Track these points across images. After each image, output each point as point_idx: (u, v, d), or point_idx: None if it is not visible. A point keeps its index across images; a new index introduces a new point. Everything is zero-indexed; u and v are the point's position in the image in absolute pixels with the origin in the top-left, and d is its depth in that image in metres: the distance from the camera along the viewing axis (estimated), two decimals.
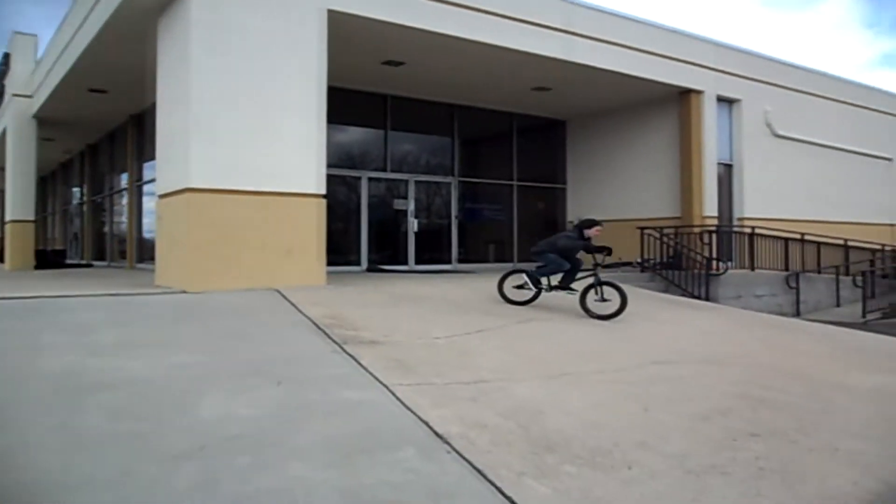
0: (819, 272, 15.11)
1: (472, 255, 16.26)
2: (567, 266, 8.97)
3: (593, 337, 7.62)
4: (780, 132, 16.30)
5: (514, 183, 16.73)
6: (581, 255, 9.14)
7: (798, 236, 14.93)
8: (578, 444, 4.14)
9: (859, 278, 14.48)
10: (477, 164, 16.77)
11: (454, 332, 7.07)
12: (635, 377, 5.97)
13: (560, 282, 9.07)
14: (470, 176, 16.22)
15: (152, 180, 11.55)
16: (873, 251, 16.92)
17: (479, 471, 3.63)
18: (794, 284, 13.79)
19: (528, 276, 9.03)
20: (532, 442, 4.14)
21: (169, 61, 9.70)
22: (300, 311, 7.55)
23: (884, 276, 15.84)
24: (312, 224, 9.56)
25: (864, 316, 12.88)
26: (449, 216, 15.81)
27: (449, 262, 15.54)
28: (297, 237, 9.43)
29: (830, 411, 5.30)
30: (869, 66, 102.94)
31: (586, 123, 16.75)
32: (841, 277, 15.06)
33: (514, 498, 3.34)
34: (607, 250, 8.88)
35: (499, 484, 3.48)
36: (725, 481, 3.78)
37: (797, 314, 13.33)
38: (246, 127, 9.14)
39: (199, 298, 8.41)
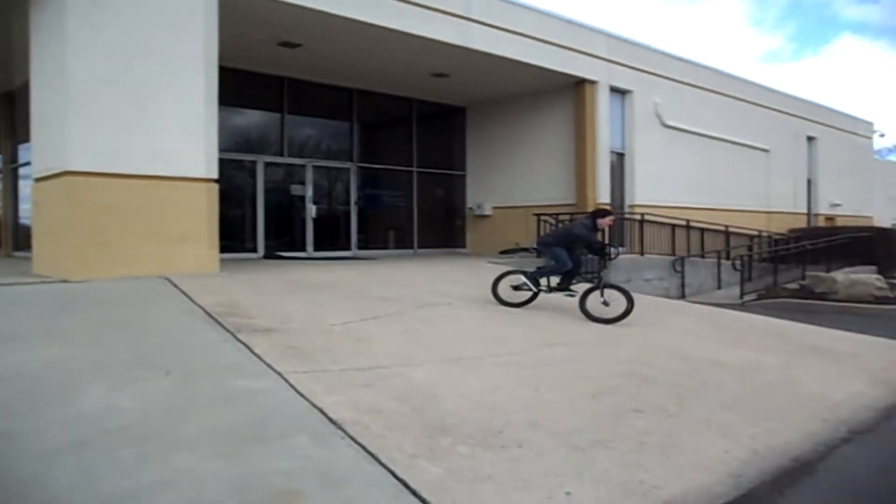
0: (703, 257, 15.95)
1: (373, 241, 16.19)
2: (570, 265, 8.50)
3: (491, 322, 7.75)
4: (669, 123, 17.04)
5: (414, 169, 16.75)
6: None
7: (684, 223, 15.69)
8: (472, 426, 4.22)
9: (738, 262, 15.38)
10: (377, 149, 16.68)
11: (352, 318, 7.02)
12: (530, 360, 6.13)
13: (560, 283, 8.64)
14: (369, 162, 16.11)
15: (28, 163, 10.81)
16: (751, 237, 18.01)
17: (372, 455, 3.64)
18: (679, 268, 14.51)
19: (528, 277, 8.56)
20: (427, 425, 4.18)
21: (43, 36, 9.06)
22: (191, 300, 7.29)
23: (760, 261, 16.87)
24: (203, 209, 9.22)
25: (741, 297, 13.71)
26: (348, 202, 15.66)
27: (348, 248, 15.41)
28: (188, 223, 9.08)
29: (707, 387, 5.63)
30: (753, 62, 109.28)
31: (486, 110, 16.96)
32: (722, 261, 15.93)
33: (407, 480, 3.37)
34: (608, 248, 8.73)
35: (392, 467, 3.50)
36: (609, 455, 3.95)
37: (682, 296, 14.03)
38: (128, 107, 8.66)
39: (81, 288, 7.97)
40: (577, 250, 8.68)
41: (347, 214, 15.64)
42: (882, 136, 41.05)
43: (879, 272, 16.77)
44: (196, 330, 6.23)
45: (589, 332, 7.66)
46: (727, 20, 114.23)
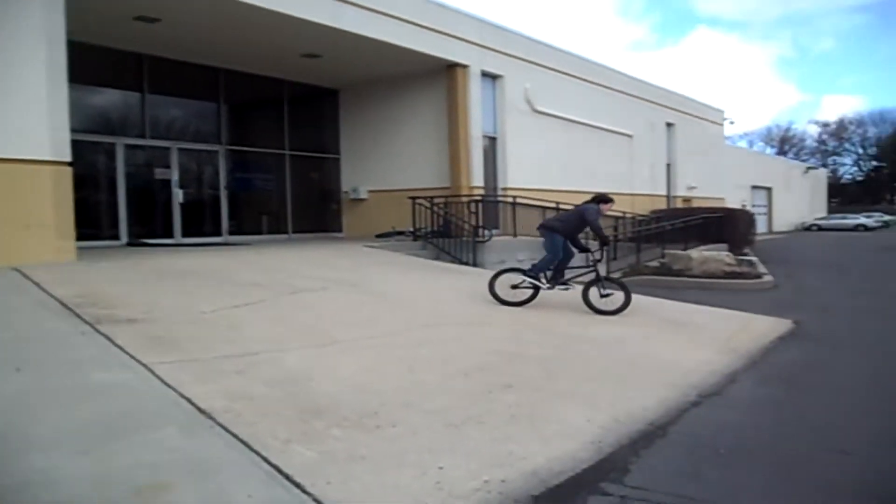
0: None
1: (245, 227, 15.70)
2: (561, 256, 8.47)
3: (365, 304, 7.75)
4: (539, 108, 17.57)
5: (287, 152, 16.36)
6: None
7: (554, 205, 16.25)
8: (347, 408, 4.23)
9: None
10: (247, 132, 16.14)
11: (222, 305, 6.82)
12: (404, 340, 6.20)
13: (552, 277, 8.54)
14: (240, 144, 15.56)
15: None
16: (616, 218, 18.92)
17: (244, 442, 3.58)
18: None
19: (528, 274, 8.45)
20: (301, 409, 4.15)
21: None
22: (45, 291, 6.82)
23: (625, 241, 17.76)
24: (49, 194, 8.53)
25: (607, 275, 14.37)
26: (218, 186, 15.09)
27: (219, 234, 14.87)
28: (34, 210, 8.39)
29: (574, 360, 5.92)
30: (622, 51, 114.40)
31: (359, 93, 16.80)
32: (590, 242, 16.61)
33: (280, 465, 3.34)
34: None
35: (264, 453, 3.45)
36: (481, 429, 4.08)
37: None
38: None
39: None
40: (576, 240, 8.68)
41: (217, 199, 15.07)
42: (732, 123, 44.27)
43: (730, 250, 18.12)
44: (50, 323, 5.84)
45: (463, 312, 7.83)
46: (596, 10, 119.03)
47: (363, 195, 16.52)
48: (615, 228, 17.30)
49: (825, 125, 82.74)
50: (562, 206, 16.47)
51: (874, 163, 77.56)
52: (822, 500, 3.39)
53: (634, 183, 22.49)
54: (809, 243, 29.82)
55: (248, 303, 7.06)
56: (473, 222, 13.34)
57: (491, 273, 8.95)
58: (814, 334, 7.91)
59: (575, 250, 8.73)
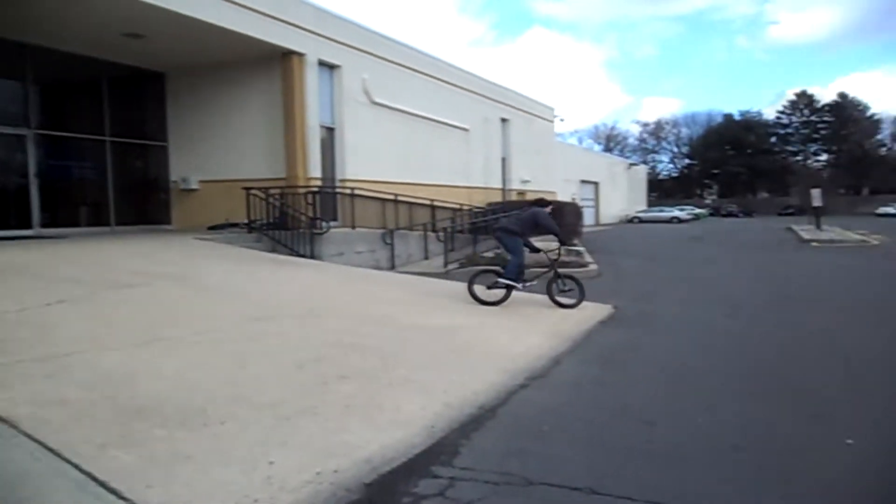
0: (411, 229, 16.80)
1: (62, 219, 14.38)
2: (523, 256, 9.00)
3: (194, 299, 7.41)
4: (378, 100, 17.57)
5: (108, 138, 15.18)
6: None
7: (392, 197, 16.38)
8: (171, 408, 4.02)
9: (442, 234, 16.48)
10: (62, 115, 14.80)
11: (31, 304, 6.25)
12: (236, 335, 6.00)
13: (517, 276, 8.92)
14: (52, 129, 14.23)
15: None
16: (454, 210, 19.39)
17: (53, 451, 3.30)
18: (389, 241, 15.13)
19: (506, 276, 8.79)
20: (119, 411, 3.90)
21: None
22: None
23: (462, 232, 18.25)
24: None
25: (445, 266, 14.71)
26: (27, 174, 13.74)
27: (30, 227, 13.55)
28: None
29: (409, 349, 6.00)
30: (463, 46, 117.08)
31: (189, 77, 15.90)
32: (428, 233, 16.95)
33: (94, 472, 3.12)
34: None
35: (76, 461, 3.21)
36: (315, 421, 4.03)
37: (392, 267, 14.68)
38: None
39: None
40: (528, 241, 9.16)
41: (26, 188, 13.71)
42: (562, 120, 46.49)
43: (559, 240, 19.10)
44: None
45: (300, 304, 7.70)
46: (438, 6, 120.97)
47: (194, 185, 15.71)
48: (452, 220, 17.76)
49: (645, 125, 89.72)
50: (401, 198, 16.68)
51: (687, 161, 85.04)
52: (627, 464, 3.68)
53: (471, 176, 23.13)
54: (631, 234, 32.16)
55: (62, 300, 6.51)
56: (311, 214, 13.13)
57: (330, 265, 8.88)
58: (630, 318, 8.54)
59: (526, 250, 9.19)
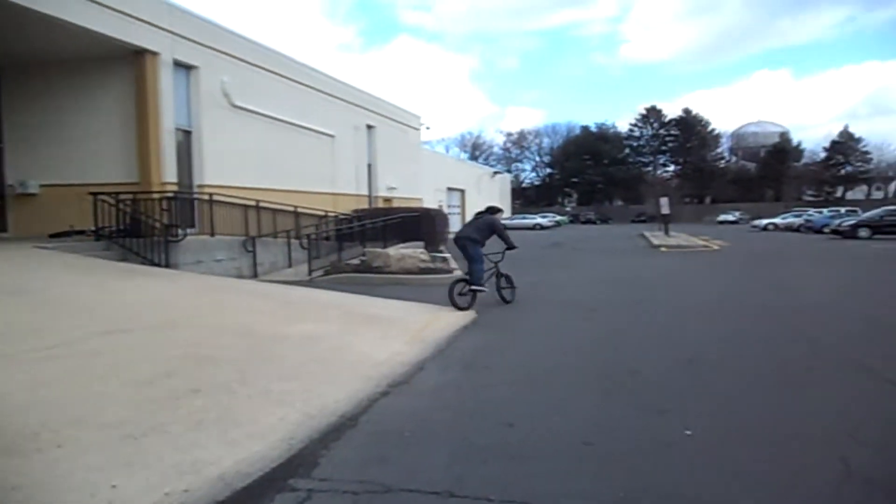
0: (275, 237, 16.38)
1: None
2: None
3: (33, 313, 6.85)
4: (238, 103, 17.03)
5: None
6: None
7: (255, 203, 15.89)
8: None
9: (306, 241, 16.17)
10: None
11: None
12: (81, 350, 5.59)
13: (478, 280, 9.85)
14: None
15: None
16: (319, 217, 19.10)
17: None
18: (251, 248, 14.68)
19: (473, 283, 9.76)
20: None
21: None
22: None
23: (327, 239, 18.01)
24: None
25: (310, 274, 14.44)
26: None
27: None
28: None
29: (269, 360, 5.83)
30: (330, 52, 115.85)
31: (29, 74, 14.67)
32: (292, 241, 16.58)
33: None
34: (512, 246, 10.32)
35: None
36: (164, 439, 3.82)
37: (255, 276, 14.24)
38: None
39: None
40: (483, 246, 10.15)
41: None
42: (428, 128, 47.20)
43: (425, 247, 19.30)
44: None
45: (152, 316, 7.30)
46: (305, 11, 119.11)
47: (34, 189, 14.49)
48: (317, 227, 17.49)
49: (509, 134, 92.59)
50: (264, 205, 16.22)
51: (549, 170, 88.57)
52: (485, 465, 3.75)
53: (337, 182, 22.91)
54: (495, 240, 32.98)
55: None
56: (166, 220, 12.49)
57: (186, 274, 8.49)
58: (493, 322, 8.75)
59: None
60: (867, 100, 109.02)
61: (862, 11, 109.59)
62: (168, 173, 14.19)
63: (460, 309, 9.25)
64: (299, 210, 17.76)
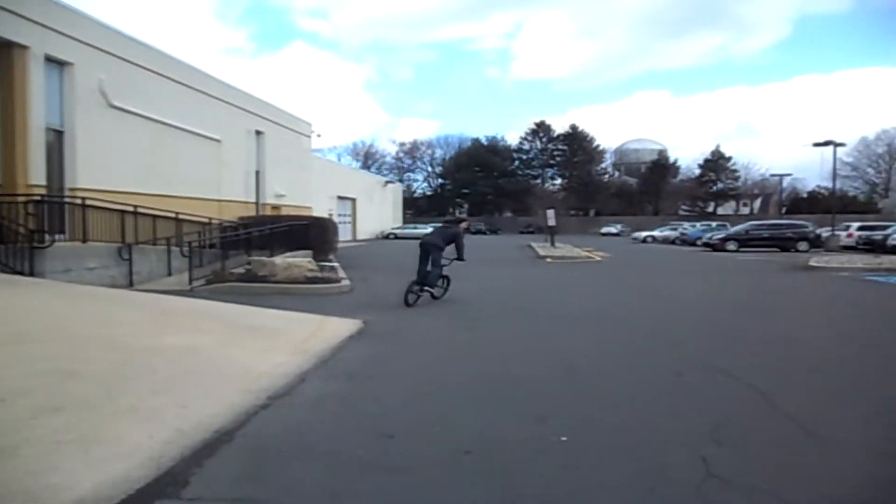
0: (154, 244, 15.63)
1: None
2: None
3: None
4: (117, 103, 16.22)
5: None
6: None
7: (132, 209, 15.11)
8: None
9: (187, 249, 15.52)
10: None
11: None
12: None
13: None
14: None
15: None
16: (203, 224, 18.41)
17: None
18: (126, 256, 13.92)
19: (427, 285, 11.25)
20: None
21: None
22: None
23: (211, 247, 17.37)
24: None
25: (190, 283, 13.85)
26: None
27: None
28: None
29: (140, 374, 5.53)
30: (217, 54, 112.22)
31: None
32: (173, 249, 15.85)
33: None
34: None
35: None
36: (15, 463, 3.55)
37: (130, 285, 13.51)
38: None
39: None
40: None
41: None
42: (319, 136, 46.66)
43: (314, 256, 19.00)
44: None
45: (9, 327, 6.78)
46: (193, 11, 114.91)
47: None
48: (199, 235, 16.87)
49: (402, 144, 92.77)
50: (142, 210, 15.46)
51: (440, 180, 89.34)
52: (364, 478, 3.70)
53: (223, 189, 22.23)
54: (386, 250, 32.91)
55: None
56: (32, 225, 11.66)
57: (52, 283, 7.95)
58: (379, 332, 8.69)
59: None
60: (737, 122, 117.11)
61: (733, 41, 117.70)
62: (36, 175, 13.32)
63: (409, 306, 10.76)
64: (181, 216, 17.08)
